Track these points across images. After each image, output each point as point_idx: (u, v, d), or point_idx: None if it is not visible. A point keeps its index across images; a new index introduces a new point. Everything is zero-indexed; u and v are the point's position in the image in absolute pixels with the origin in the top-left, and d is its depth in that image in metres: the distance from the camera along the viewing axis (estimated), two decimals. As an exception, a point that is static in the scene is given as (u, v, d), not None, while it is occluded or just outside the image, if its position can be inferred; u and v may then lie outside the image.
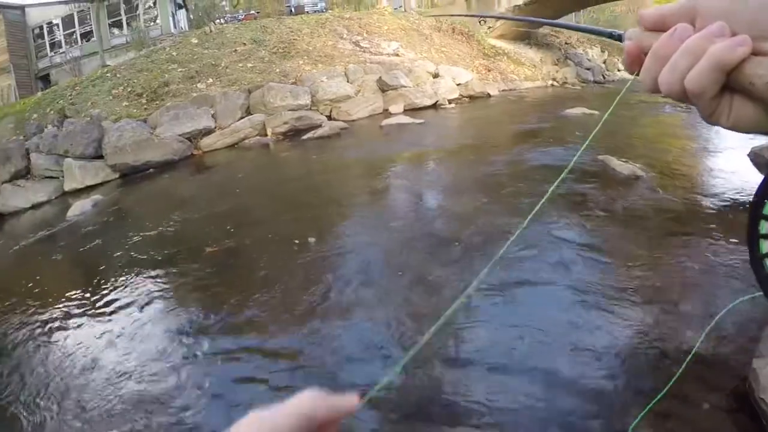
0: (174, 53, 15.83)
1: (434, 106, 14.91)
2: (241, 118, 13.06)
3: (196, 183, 10.89)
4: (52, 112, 15.07)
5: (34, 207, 12.91)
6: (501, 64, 19.53)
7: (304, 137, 12.20)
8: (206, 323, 4.38)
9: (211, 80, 14.26)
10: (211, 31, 16.95)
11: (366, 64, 15.42)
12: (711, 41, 0.40)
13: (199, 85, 14.15)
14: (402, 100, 14.37)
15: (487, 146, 9.57)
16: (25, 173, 13.74)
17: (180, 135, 12.59)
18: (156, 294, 5.34)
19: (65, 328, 5.11)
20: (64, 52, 22.75)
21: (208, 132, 12.82)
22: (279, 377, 3.36)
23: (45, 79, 22.62)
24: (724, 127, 0.44)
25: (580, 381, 2.73)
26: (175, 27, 22.21)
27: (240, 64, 14.82)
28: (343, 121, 13.27)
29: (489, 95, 16.62)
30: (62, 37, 23.21)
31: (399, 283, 4.22)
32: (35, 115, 15.36)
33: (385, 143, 11.09)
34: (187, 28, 22.19)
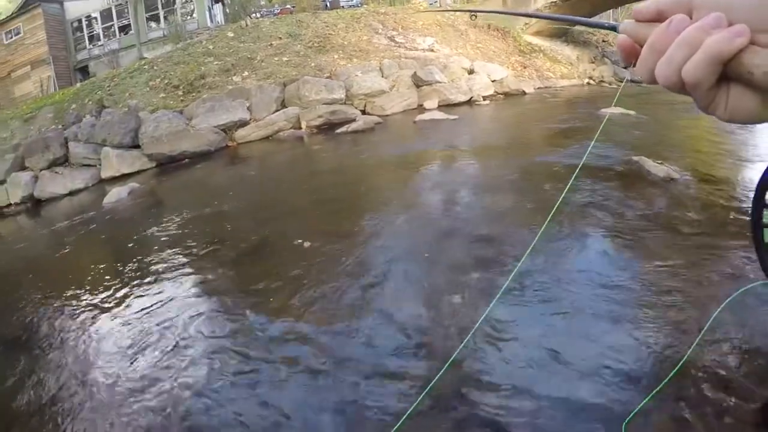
0: (210, 46, 15.97)
1: (469, 102, 14.73)
2: (276, 110, 13.09)
3: (230, 174, 10.94)
4: (90, 102, 15.34)
5: (72, 193, 13.20)
6: (537, 62, 19.22)
7: (338, 131, 12.16)
8: (236, 311, 4.34)
9: (246, 73, 14.32)
10: (247, 25, 17.05)
11: (401, 59, 15.32)
12: (708, 32, 0.40)
13: (234, 77, 14.23)
14: (436, 95, 14.24)
15: (521, 144, 9.39)
16: (63, 161, 14.07)
17: (215, 126, 12.70)
18: (186, 280, 5.32)
19: (96, 313, 5.11)
20: (102, 45, 23.19)
21: (243, 124, 12.90)
22: (311, 362, 3.30)
23: (83, 71, 23.09)
24: (721, 119, 0.43)
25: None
26: (211, 21, 22.42)
27: (275, 58, 14.86)
28: (377, 115, 13.17)
29: (524, 93, 16.34)
30: (100, 31, 23.64)
31: (431, 280, 4.10)
32: (74, 106, 15.67)
33: (418, 139, 10.96)
34: (223, 22, 22.41)
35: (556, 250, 4.17)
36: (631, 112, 10.43)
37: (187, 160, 12.48)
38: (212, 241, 6.49)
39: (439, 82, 14.51)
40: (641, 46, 0.46)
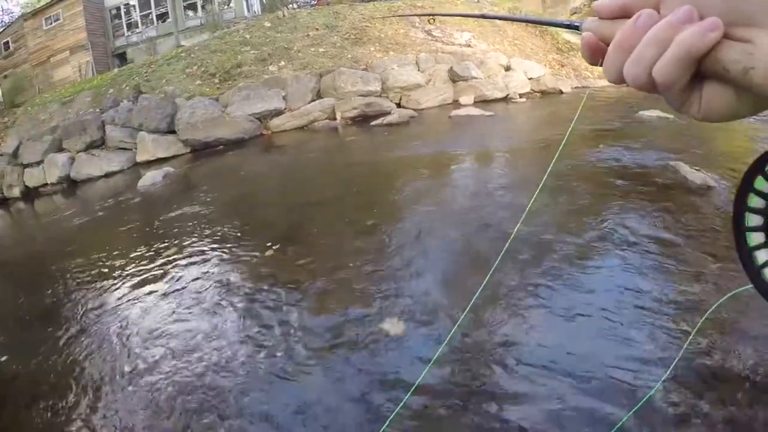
0: (247, 36, 16.02)
1: (505, 99, 14.48)
2: (312, 101, 13.06)
3: (264, 162, 10.96)
4: (127, 87, 15.53)
5: (107, 175, 13.44)
6: (575, 60, 18.83)
7: (373, 123, 12.06)
8: (268, 294, 4.33)
9: (282, 63, 14.33)
10: (284, 16, 17.07)
11: (437, 53, 15.15)
12: (678, 28, 0.37)
13: (270, 67, 14.25)
14: (472, 91, 14.03)
15: (557, 144, 9.13)
16: (100, 144, 14.31)
17: (250, 115, 12.75)
18: (215, 262, 5.37)
19: (129, 292, 5.22)
20: (140, 32, 23.54)
21: (278, 113, 12.92)
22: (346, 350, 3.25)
23: (121, 57, 23.45)
24: (695, 118, 0.40)
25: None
26: (248, 10, 22.55)
27: (312, 49, 14.84)
28: (413, 109, 13.05)
29: (561, 92, 16.00)
30: (138, 18, 23.98)
31: (460, 277, 3.98)
32: (111, 90, 15.89)
33: (454, 134, 10.80)
34: (260, 12, 22.49)
35: (584, 255, 4.01)
36: (670, 116, 10.14)
37: (221, 146, 12.55)
38: (243, 225, 6.51)
39: (476, 78, 14.30)
40: (607, 45, 0.43)
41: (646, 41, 0.39)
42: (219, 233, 6.27)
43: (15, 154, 15.73)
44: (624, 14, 0.43)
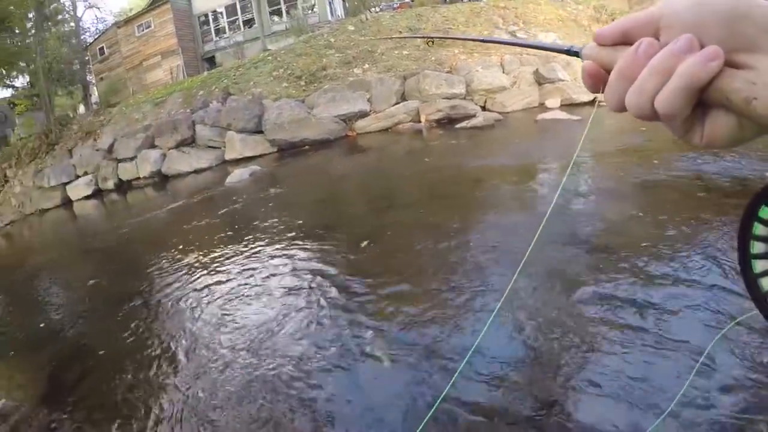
0: (331, 39, 16.28)
1: (592, 102, 13.91)
2: (396, 103, 13.08)
3: (348, 162, 11.04)
4: (217, 89, 16.13)
5: (196, 172, 14.05)
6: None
7: (457, 126, 11.91)
8: (348, 291, 4.31)
9: (366, 66, 14.45)
10: (366, 19, 17.25)
11: (522, 55, 14.80)
12: (679, 58, 0.37)
13: (355, 70, 14.40)
14: (559, 94, 13.59)
15: (648, 150, 8.58)
16: (190, 142, 14.98)
17: (336, 116, 12.91)
18: (297, 258, 5.39)
19: (214, 280, 5.39)
20: (227, 37, 24.53)
21: (362, 115, 13.01)
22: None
23: (210, 61, 24.50)
24: (698, 146, 0.40)
25: None
26: (331, 14, 22.98)
27: (395, 51, 14.88)
28: (498, 112, 12.79)
29: (652, 95, 15.36)
30: (226, 24, 25.00)
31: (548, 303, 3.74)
32: (201, 92, 16.55)
33: (539, 138, 10.46)
34: (343, 16, 22.89)
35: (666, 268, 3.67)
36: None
37: (306, 147, 12.78)
38: (326, 224, 6.52)
39: (562, 80, 13.86)
40: (608, 72, 0.42)
41: (648, 71, 0.38)
42: (299, 230, 6.35)
43: (110, 150, 16.75)
44: (624, 41, 0.41)
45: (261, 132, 13.55)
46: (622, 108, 0.41)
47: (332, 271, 4.87)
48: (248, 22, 24.25)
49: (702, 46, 0.36)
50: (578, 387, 2.61)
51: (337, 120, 12.87)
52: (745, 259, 0.40)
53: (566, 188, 6.38)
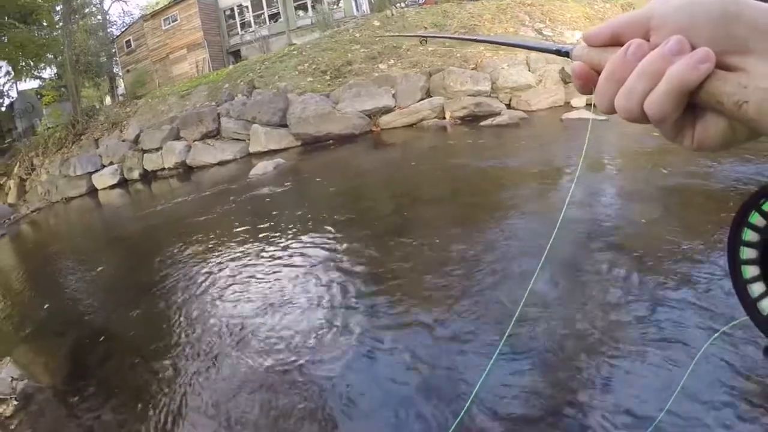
0: (357, 35, 16.30)
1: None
2: (421, 99, 13.05)
3: (372, 157, 11.05)
4: (242, 83, 16.24)
5: (221, 163, 14.21)
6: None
7: (482, 124, 11.82)
8: (368, 285, 4.36)
9: (392, 61, 14.45)
10: (392, 15, 17.22)
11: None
12: (669, 60, 0.36)
13: (380, 65, 14.41)
14: (585, 93, 13.48)
15: (676, 151, 8.37)
16: (215, 134, 15.14)
17: (360, 111, 12.94)
18: (318, 250, 5.45)
19: (236, 268, 5.47)
20: (253, 31, 24.65)
21: (387, 110, 13.02)
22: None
23: (236, 54, 24.69)
24: (688, 149, 0.39)
25: None
26: (357, 10, 23.01)
27: (421, 47, 14.84)
28: (523, 110, 12.67)
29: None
30: (251, 18, 25.13)
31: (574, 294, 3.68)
32: (227, 85, 16.68)
33: (564, 138, 10.32)
34: (368, 12, 22.88)
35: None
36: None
37: (331, 141, 12.83)
38: (348, 218, 6.56)
39: (589, 80, 13.75)
40: (598, 73, 0.41)
41: (637, 74, 0.37)
42: (321, 223, 6.39)
43: (136, 141, 17.02)
44: (614, 42, 0.40)
45: (285, 126, 13.63)
46: (611, 110, 0.40)
47: (354, 264, 4.91)
48: (274, 17, 24.36)
49: (693, 48, 0.36)
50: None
51: (362, 115, 12.89)
52: (735, 264, 0.40)
53: (593, 185, 6.30)
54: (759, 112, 0.32)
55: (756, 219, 0.38)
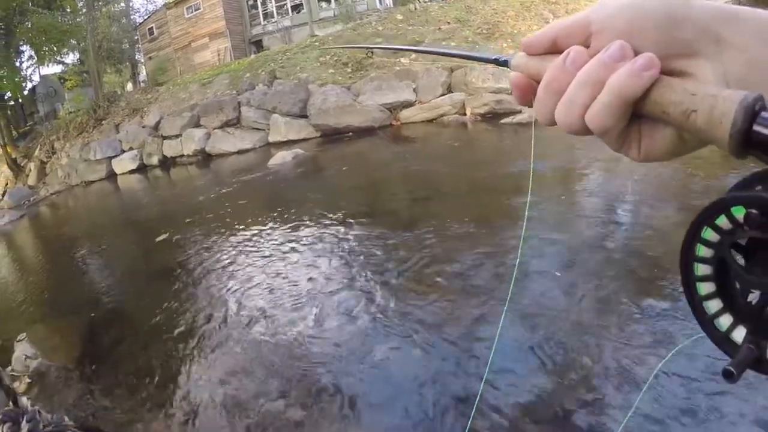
0: (379, 27, 16.27)
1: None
2: (442, 95, 12.97)
3: (391, 151, 11.01)
4: (263, 73, 16.28)
5: (240, 152, 14.30)
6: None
7: (503, 121, 11.72)
8: (380, 273, 4.39)
9: (414, 56, 14.37)
10: (415, 9, 17.16)
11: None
12: (611, 67, 0.33)
13: (402, 59, 14.35)
14: (607, 92, 13.36)
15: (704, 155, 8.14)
16: (235, 123, 15.23)
17: (381, 105, 12.91)
18: (338, 240, 5.47)
19: (252, 257, 5.53)
20: (275, 22, 24.65)
21: (408, 105, 12.97)
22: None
23: (258, 44, 24.72)
24: (635, 160, 0.37)
25: None
26: (380, 3, 22.89)
27: (443, 42, 14.77)
28: (544, 109, 12.60)
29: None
30: (274, 9, 25.12)
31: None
32: (248, 75, 16.72)
33: (587, 139, 10.25)
34: (392, 5, 22.78)
35: None
36: None
37: (350, 133, 12.82)
38: (364, 210, 6.57)
39: (610, 79, 13.62)
40: (538, 83, 0.38)
41: (576, 83, 0.34)
42: (336, 214, 6.39)
43: (156, 127, 17.17)
44: (554, 50, 0.37)
45: (305, 116, 13.66)
46: (552, 123, 0.37)
47: (370, 255, 4.92)
48: (296, 8, 24.31)
49: (636, 54, 0.33)
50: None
51: (383, 108, 12.87)
52: (690, 281, 0.37)
53: (613, 187, 6.20)
54: (708, 122, 0.30)
55: (709, 234, 0.35)
